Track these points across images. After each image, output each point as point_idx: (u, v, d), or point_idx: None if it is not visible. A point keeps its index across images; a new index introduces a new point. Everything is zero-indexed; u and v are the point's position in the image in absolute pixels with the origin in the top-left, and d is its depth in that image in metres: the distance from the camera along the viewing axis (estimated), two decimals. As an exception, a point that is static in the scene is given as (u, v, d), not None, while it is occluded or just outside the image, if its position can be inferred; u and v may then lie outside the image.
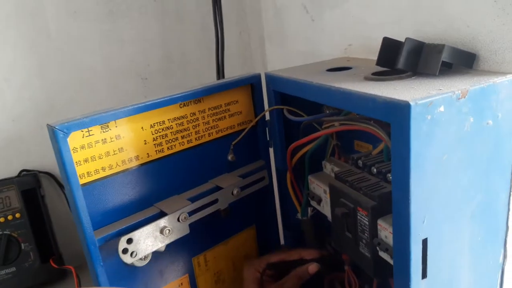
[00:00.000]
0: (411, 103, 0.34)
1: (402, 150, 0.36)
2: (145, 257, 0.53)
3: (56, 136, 0.44)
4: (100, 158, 0.49)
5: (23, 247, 0.75)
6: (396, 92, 0.37)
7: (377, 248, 0.47)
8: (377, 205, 0.47)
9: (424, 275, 0.41)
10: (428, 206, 0.38)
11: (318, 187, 0.60)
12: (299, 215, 0.65)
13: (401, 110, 0.35)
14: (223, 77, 0.77)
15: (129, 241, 0.50)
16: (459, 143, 0.38)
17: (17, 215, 0.75)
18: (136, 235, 0.50)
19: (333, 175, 0.57)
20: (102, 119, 0.47)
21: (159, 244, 0.53)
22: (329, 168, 0.61)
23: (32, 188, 0.76)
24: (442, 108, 0.36)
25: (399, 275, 0.42)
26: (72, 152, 0.46)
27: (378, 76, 0.45)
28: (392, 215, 0.40)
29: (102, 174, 0.50)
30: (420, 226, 0.38)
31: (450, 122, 0.37)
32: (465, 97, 0.37)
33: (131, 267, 0.53)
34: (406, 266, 0.40)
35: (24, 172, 0.78)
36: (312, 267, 0.61)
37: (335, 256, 0.64)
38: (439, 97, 0.36)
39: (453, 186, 0.40)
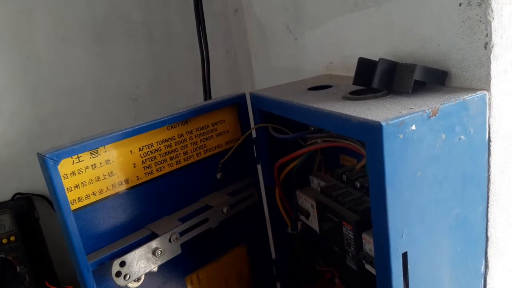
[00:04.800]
0: (383, 123, 0.36)
1: (377, 168, 0.37)
2: (138, 279, 0.54)
3: (46, 165, 0.45)
4: (90, 183, 0.51)
5: (18, 270, 0.76)
6: (370, 112, 0.39)
7: (363, 261, 0.49)
8: (360, 219, 0.49)
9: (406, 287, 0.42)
10: (406, 221, 0.40)
11: (306, 201, 0.61)
12: (289, 230, 0.66)
13: (374, 130, 0.36)
14: (210, 96, 0.79)
15: (122, 264, 0.51)
16: (433, 159, 0.40)
17: (12, 238, 0.76)
18: (129, 257, 0.51)
19: (319, 189, 0.58)
20: (91, 145, 0.49)
21: (152, 265, 0.54)
22: (316, 182, 0.62)
23: (26, 211, 0.77)
24: (413, 127, 0.38)
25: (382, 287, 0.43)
26: (62, 178, 0.47)
27: (355, 95, 0.47)
28: (372, 230, 0.41)
29: (93, 199, 0.51)
30: (399, 240, 0.40)
31: (422, 139, 0.39)
32: (435, 115, 0.39)
33: (125, 288, 0.54)
34: (388, 279, 0.41)
35: (18, 196, 0.79)
36: None
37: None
38: (410, 116, 0.37)
39: (430, 200, 0.41)
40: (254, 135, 0.65)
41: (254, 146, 0.66)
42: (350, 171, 0.56)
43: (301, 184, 0.63)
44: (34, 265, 0.77)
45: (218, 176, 0.64)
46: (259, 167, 0.67)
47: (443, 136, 0.40)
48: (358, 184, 0.53)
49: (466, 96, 0.41)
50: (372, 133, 0.37)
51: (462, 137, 0.42)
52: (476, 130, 0.42)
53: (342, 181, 0.56)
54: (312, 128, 0.59)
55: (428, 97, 0.42)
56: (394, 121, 0.37)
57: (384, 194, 0.38)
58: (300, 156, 0.61)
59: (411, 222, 0.40)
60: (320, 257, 0.68)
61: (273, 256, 0.72)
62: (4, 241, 0.76)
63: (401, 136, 0.37)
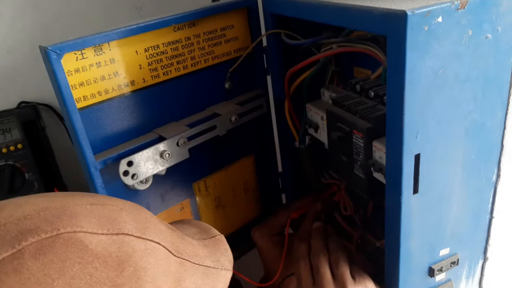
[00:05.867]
0: (408, 12, 0.33)
1: (397, 63, 0.35)
2: (146, 180, 0.54)
3: (49, 58, 0.43)
4: (95, 82, 0.49)
5: (27, 177, 0.77)
6: (393, 3, 0.36)
7: (371, 168, 0.48)
8: (372, 127, 0.48)
9: (415, 190, 0.42)
10: (422, 121, 0.39)
11: (315, 114, 0.60)
12: (296, 144, 0.66)
13: (398, 20, 0.34)
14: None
15: (130, 163, 0.51)
16: (456, 57, 0.38)
17: (19, 145, 0.76)
18: (136, 158, 0.51)
19: (330, 101, 0.57)
20: (95, 40, 0.46)
21: (160, 167, 0.54)
22: (327, 95, 0.61)
23: (32, 119, 0.76)
24: (440, 19, 0.35)
25: (391, 191, 0.43)
26: (66, 75, 0.45)
27: (376, -10, 0.43)
28: (386, 130, 0.40)
29: (98, 98, 0.50)
30: (413, 141, 0.39)
31: (448, 34, 0.36)
32: (464, 7, 0.36)
33: (133, 190, 0.55)
34: (397, 181, 0.41)
35: (23, 104, 0.78)
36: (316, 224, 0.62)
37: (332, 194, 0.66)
38: (437, 7, 0.35)
39: (448, 101, 0.40)
40: (265, 43, 0.62)
41: (264, 55, 0.63)
42: (365, 81, 0.54)
43: (312, 98, 0.62)
44: (42, 172, 0.78)
45: (227, 85, 0.62)
46: (269, 78, 0.65)
47: (470, 32, 0.37)
48: (372, 93, 0.51)
49: (498, -9, 0.38)
50: (395, 24, 0.34)
51: (489, 35, 0.39)
52: (504, 29, 0.40)
53: (355, 91, 0.55)
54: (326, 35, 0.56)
55: (457, -9, 0.39)
56: (420, 10, 0.34)
57: (402, 91, 0.36)
58: (313, 65, 0.58)
59: (427, 123, 0.39)
60: (326, 171, 0.68)
61: (280, 169, 0.72)
62: (12, 148, 0.76)
63: (426, 28, 0.35)
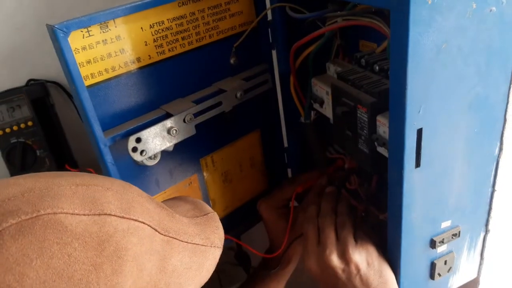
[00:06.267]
0: (411, -14, 0.33)
1: (400, 38, 0.36)
2: (155, 156, 0.55)
3: (56, 36, 0.44)
4: (102, 60, 0.50)
5: (38, 154, 0.79)
6: (397, -23, 0.36)
7: (375, 143, 0.49)
8: (376, 102, 0.48)
9: (417, 164, 0.43)
10: (425, 96, 0.39)
11: (320, 89, 0.60)
12: (302, 119, 0.66)
13: (401, -5, 0.34)
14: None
15: (138, 140, 0.52)
16: (460, 31, 0.38)
17: (29, 123, 0.77)
18: (144, 134, 0.52)
19: (336, 76, 0.57)
20: (100, 18, 0.47)
21: (167, 143, 0.55)
22: (332, 69, 0.61)
23: (41, 96, 0.77)
24: (444, -8, 0.35)
25: (393, 165, 0.44)
26: (74, 53, 0.46)
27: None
28: (389, 105, 0.40)
29: (105, 76, 0.51)
30: (415, 115, 0.39)
31: (451, 7, 0.36)
32: (469, -20, 0.36)
33: (142, 166, 0.56)
34: (400, 155, 0.42)
35: (32, 82, 0.79)
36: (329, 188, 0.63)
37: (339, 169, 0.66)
38: (441, -19, 0.34)
39: (452, 76, 0.40)
40: (270, 17, 0.62)
41: (269, 30, 0.63)
42: (370, 55, 0.54)
43: (317, 73, 0.62)
44: (53, 149, 0.80)
45: (232, 61, 0.62)
46: (274, 53, 0.65)
47: (474, 5, 0.37)
48: (377, 67, 0.51)
49: (504, -38, 0.38)
50: (398, -2, 0.34)
51: (493, 8, 0.39)
52: (509, 1, 0.39)
53: (360, 66, 0.55)
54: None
55: (462, -37, 0.39)
56: (424, -16, 0.34)
57: (405, 65, 0.36)
58: (318, 39, 0.58)
59: (430, 97, 0.39)
60: (331, 146, 0.68)
61: (285, 144, 0.73)
62: (22, 125, 0.77)
63: (430, 1, 0.35)
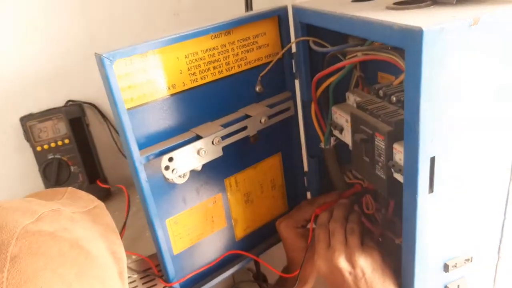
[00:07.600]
0: (424, 29, 0.37)
1: (414, 75, 0.39)
2: (184, 175, 0.60)
3: (103, 63, 0.49)
4: (141, 85, 0.55)
5: (72, 170, 0.84)
6: (412, 20, 0.40)
7: (392, 169, 0.52)
8: (393, 130, 0.51)
9: (431, 190, 0.46)
10: (437, 127, 0.42)
11: (340, 116, 0.64)
12: (322, 144, 0.70)
13: (415, 36, 0.38)
14: (251, 9, 0.79)
15: (170, 159, 0.56)
16: (470, 71, 0.41)
17: (66, 141, 0.83)
18: (177, 154, 0.57)
19: (355, 105, 0.60)
20: (142, 48, 0.52)
21: (196, 163, 0.59)
22: (352, 99, 0.64)
23: (78, 116, 0.83)
24: (454, 35, 0.38)
25: (408, 190, 0.47)
26: (117, 79, 0.51)
27: (398, 5, 0.47)
28: (404, 134, 0.44)
29: (144, 100, 0.56)
30: (428, 144, 0.42)
31: (461, 49, 0.40)
32: (477, 24, 0.39)
33: (172, 184, 0.60)
34: (414, 181, 0.45)
35: (70, 102, 0.85)
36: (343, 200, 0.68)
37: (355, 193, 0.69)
38: (452, 24, 0.38)
39: (463, 110, 0.43)
40: (294, 49, 0.67)
41: (293, 61, 0.68)
42: (387, 87, 0.57)
43: (337, 101, 0.66)
44: (86, 166, 0.85)
45: (257, 89, 0.67)
46: (297, 82, 0.69)
47: (483, 47, 0.41)
48: (394, 99, 0.55)
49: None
50: (412, 39, 0.38)
51: (502, 51, 0.42)
52: (518, 43, 0.43)
53: (378, 96, 0.58)
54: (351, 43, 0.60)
55: (473, 7, 0.42)
56: (435, 27, 0.38)
57: (418, 99, 0.40)
58: (339, 71, 0.62)
59: (442, 128, 0.42)
60: (349, 171, 0.71)
61: (306, 168, 0.77)
62: (60, 143, 0.83)
63: (441, 43, 0.38)
